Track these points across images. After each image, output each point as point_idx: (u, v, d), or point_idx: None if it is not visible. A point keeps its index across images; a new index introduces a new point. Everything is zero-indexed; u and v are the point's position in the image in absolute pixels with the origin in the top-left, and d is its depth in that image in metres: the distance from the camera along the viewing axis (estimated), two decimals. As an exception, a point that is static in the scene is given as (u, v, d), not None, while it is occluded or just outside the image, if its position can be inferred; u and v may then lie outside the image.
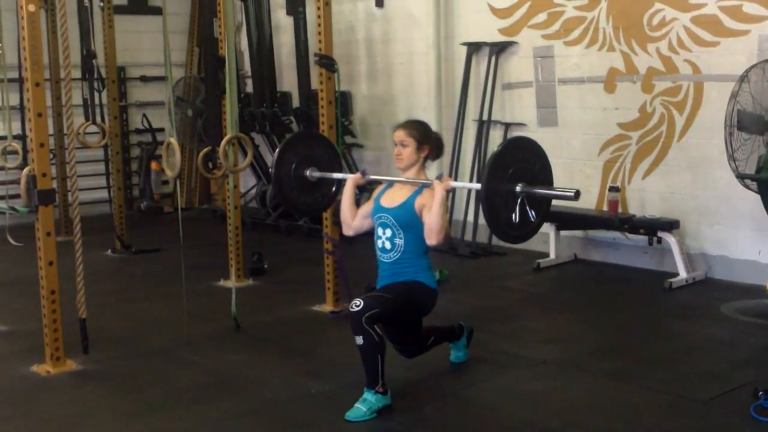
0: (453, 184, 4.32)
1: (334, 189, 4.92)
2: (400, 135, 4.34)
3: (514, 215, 3.93)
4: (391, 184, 4.45)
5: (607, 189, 6.90)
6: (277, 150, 4.81)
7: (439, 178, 4.20)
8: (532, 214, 4.00)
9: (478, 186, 4.01)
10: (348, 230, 4.56)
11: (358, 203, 4.68)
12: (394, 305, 4.16)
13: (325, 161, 4.86)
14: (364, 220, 4.49)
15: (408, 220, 4.24)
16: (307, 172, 4.77)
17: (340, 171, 4.96)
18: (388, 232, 4.29)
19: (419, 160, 4.34)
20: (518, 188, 3.94)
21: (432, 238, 4.11)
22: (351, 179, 4.57)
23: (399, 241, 4.26)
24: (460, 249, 7.56)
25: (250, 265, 6.84)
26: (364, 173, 4.60)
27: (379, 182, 4.63)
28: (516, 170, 3.94)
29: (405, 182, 4.36)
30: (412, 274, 4.28)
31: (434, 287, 4.34)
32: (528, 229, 4.08)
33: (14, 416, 4.25)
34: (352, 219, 4.51)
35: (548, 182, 4.12)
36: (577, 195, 3.93)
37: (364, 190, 6.89)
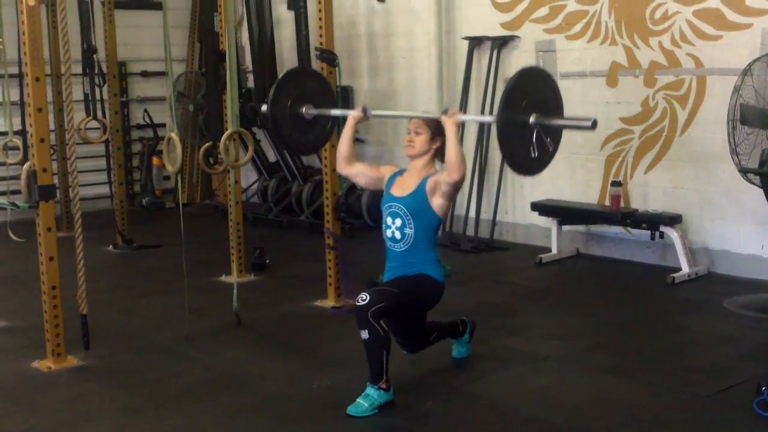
0: (462, 117, 4.27)
1: (330, 125, 4.86)
2: (416, 122, 4.34)
3: (532, 149, 3.87)
4: (401, 171, 4.41)
5: (610, 183, 6.88)
6: (271, 89, 4.70)
7: (445, 112, 4.19)
8: (548, 142, 3.93)
9: (491, 118, 3.96)
10: (341, 168, 4.54)
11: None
12: (400, 300, 4.14)
13: (320, 97, 4.77)
14: (360, 176, 4.50)
15: (419, 207, 4.22)
16: (303, 110, 4.68)
17: (335, 107, 4.89)
18: (398, 222, 4.26)
19: (430, 150, 4.31)
20: (532, 119, 3.88)
21: (453, 172, 4.07)
22: (352, 116, 4.52)
23: (409, 231, 4.24)
24: (462, 244, 7.54)
25: (252, 260, 6.83)
26: (365, 110, 4.51)
27: (381, 117, 4.50)
28: (529, 101, 3.88)
29: (410, 116, 4.36)
30: (420, 267, 4.26)
31: (441, 281, 4.32)
32: (543, 161, 4.02)
33: (15, 412, 4.24)
34: (348, 160, 4.48)
35: (560, 111, 4.05)
36: (594, 124, 3.83)
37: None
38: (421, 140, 4.30)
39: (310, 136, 4.79)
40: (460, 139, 7.59)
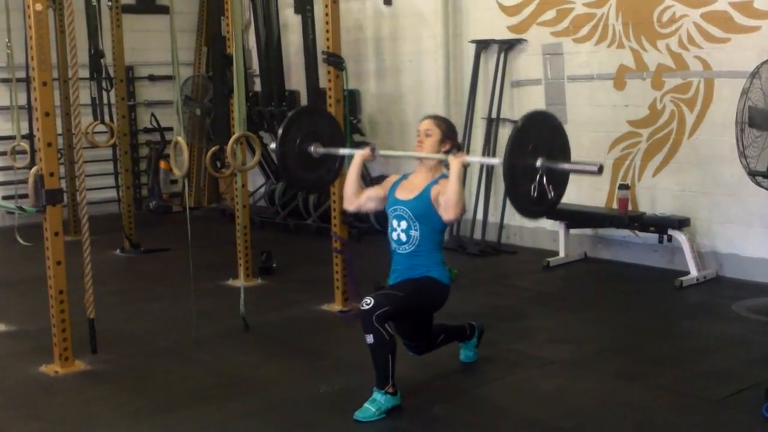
0: (469, 159, 4.30)
1: (338, 164, 4.86)
2: (427, 124, 4.33)
3: (533, 187, 3.88)
4: (405, 175, 4.42)
5: (617, 187, 6.86)
6: (281, 126, 4.71)
7: (452, 153, 4.19)
8: (549, 189, 3.94)
9: (497, 161, 4.01)
10: (349, 205, 4.51)
11: (364, 179, 4.60)
12: (404, 303, 4.14)
13: (329, 136, 4.77)
14: (370, 201, 4.46)
15: (424, 210, 4.22)
16: (311, 148, 4.68)
17: (344, 146, 4.89)
18: (404, 224, 4.26)
19: (439, 152, 4.30)
20: (539, 163, 3.90)
21: (449, 212, 4.08)
22: (359, 155, 4.51)
23: (414, 233, 4.24)
24: (469, 247, 7.53)
25: (259, 264, 6.83)
26: (373, 150, 4.51)
27: (388, 157, 4.51)
28: (536, 144, 3.89)
29: (417, 157, 4.35)
30: (425, 269, 4.25)
31: (447, 283, 4.32)
32: (547, 205, 4.03)
33: (23, 417, 4.24)
34: (356, 195, 4.46)
35: (567, 158, 4.06)
36: (600, 169, 3.85)
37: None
38: (430, 142, 4.29)
39: (317, 174, 4.79)
40: (467, 145, 7.60)
